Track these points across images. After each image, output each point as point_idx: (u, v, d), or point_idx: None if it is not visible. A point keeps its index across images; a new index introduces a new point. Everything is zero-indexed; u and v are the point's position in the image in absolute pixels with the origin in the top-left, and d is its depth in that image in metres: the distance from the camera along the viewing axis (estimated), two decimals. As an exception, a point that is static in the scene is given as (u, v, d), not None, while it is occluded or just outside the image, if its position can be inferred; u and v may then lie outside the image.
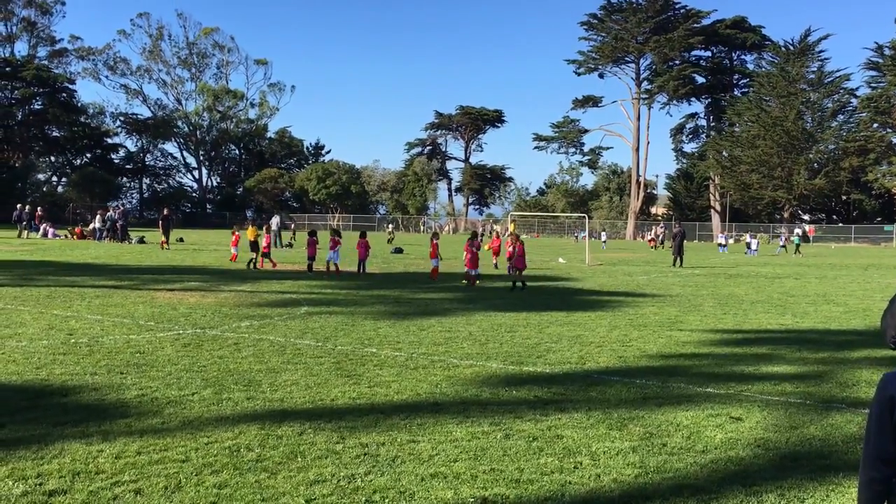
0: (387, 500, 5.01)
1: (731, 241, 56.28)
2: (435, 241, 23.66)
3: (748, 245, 51.08)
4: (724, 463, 5.91)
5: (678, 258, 32.66)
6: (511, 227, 38.96)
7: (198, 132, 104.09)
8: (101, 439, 6.07)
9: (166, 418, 6.74)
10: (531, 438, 6.39)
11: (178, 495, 5.00)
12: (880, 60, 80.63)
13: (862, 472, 2.37)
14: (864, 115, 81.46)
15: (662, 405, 7.64)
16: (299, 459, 5.71)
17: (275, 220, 38.13)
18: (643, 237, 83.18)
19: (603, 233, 65.89)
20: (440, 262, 23.37)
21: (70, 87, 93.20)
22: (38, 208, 46.44)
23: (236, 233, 27.88)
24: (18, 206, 46.13)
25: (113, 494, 4.98)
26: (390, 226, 61.07)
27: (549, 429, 6.69)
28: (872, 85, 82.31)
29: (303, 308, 14.79)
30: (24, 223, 43.67)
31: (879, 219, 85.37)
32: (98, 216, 43.24)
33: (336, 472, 5.47)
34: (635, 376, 9.03)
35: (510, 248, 20.82)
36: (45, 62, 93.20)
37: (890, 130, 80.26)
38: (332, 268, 22.93)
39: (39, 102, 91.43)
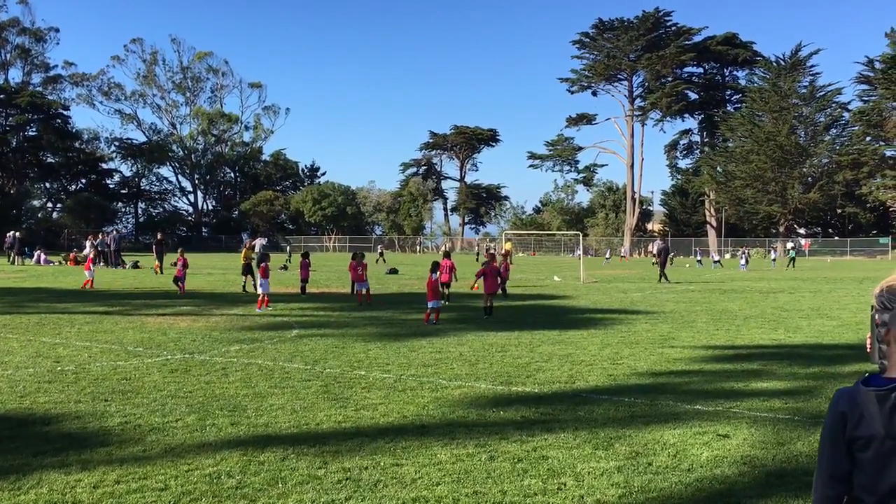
0: (366, 526, 4.95)
1: (726, 255, 56.24)
2: (364, 262, 21.61)
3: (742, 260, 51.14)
4: (708, 482, 5.85)
5: (662, 274, 33.05)
6: (507, 246, 39.00)
7: (193, 156, 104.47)
8: (81, 468, 6.00)
9: (148, 446, 6.67)
10: (516, 460, 6.33)
11: (154, 525, 4.94)
12: (871, 74, 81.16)
13: (815, 491, 2.37)
14: (856, 128, 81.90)
15: (650, 423, 7.59)
16: (280, 486, 5.64)
17: (258, 243, 36.67)
18: (640, 253, 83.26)
19: (608, 250, 66.66)
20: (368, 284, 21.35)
21: (64, 113, 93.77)
22: (17, 233, 46.30)
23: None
24: (9, 233, 46.12)
25: (88, 525, 4.92)
26: (379, 247, 61.22)
27: (534, 450, 6.63)
28: (864, 98, 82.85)
29: (294, 331, 14.73)
30: (15, 249, 43.61)
31: (875, 231, 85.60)
32: (89, 241, 43.13)
33: (316, 497, 5.41)
34: (624, 394, 8.97)
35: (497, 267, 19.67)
36: (40, 89, 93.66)
37: (883, 143, 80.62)
38: (265, 297, 18.93)
39: (34, 129, 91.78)
